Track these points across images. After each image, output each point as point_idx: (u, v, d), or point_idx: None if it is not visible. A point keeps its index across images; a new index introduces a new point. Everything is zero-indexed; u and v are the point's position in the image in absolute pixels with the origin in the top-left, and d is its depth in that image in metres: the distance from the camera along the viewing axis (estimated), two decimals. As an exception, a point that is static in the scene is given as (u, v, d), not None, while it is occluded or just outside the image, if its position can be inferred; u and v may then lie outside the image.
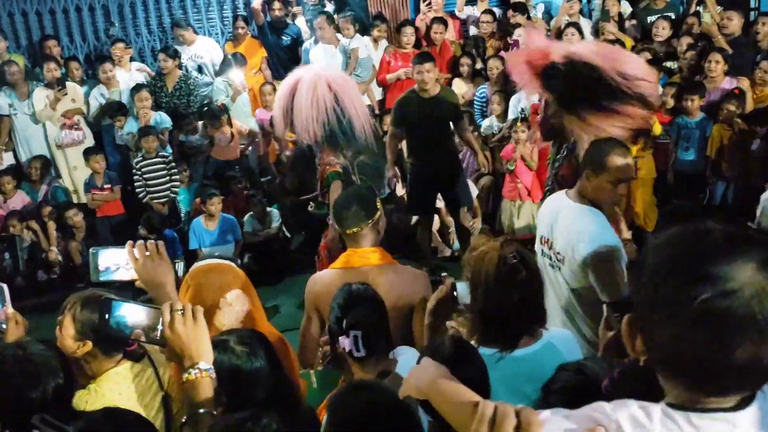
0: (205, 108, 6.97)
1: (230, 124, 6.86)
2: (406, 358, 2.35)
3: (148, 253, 1.89)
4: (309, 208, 5.13)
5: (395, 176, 5.89)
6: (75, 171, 6.96)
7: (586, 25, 7.25)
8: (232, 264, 2.70)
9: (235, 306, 2.53)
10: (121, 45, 7.21)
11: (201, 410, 1.66)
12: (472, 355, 1.89)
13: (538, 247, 3.13)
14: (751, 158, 5.58)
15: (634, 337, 1.02)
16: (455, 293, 2.20)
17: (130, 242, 1.90)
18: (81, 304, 2.23)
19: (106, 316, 1.72)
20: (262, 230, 6.35)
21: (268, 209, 6.40)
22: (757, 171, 5.46)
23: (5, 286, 2.36)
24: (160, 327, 1.73)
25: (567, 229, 2.96)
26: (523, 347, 2.13)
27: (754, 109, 5.74)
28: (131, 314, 1.74)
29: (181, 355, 1.71)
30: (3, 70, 6.83)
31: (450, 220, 6.33)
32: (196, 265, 2.69)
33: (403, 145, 5.98)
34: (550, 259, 3.04)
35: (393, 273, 2.81)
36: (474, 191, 6.20)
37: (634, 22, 7.38)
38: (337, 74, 4.68)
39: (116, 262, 1.99)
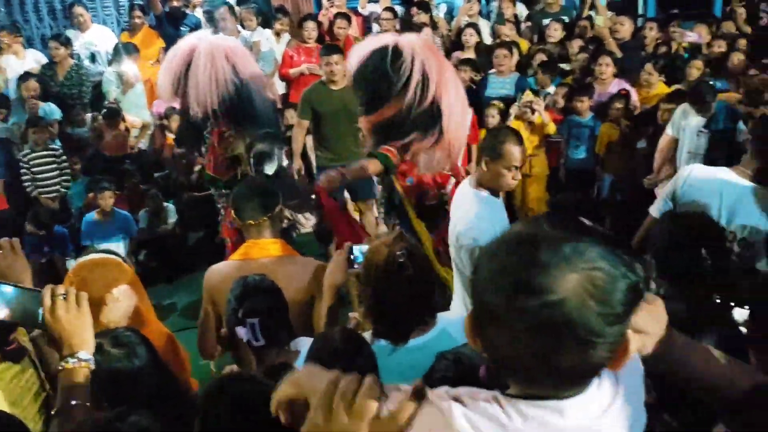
0: (105, 109, 6.66)
1: (123, 119, 6.62)
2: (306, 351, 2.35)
3: (1, 251, 1.80)
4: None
5: (300, 168, 5.82)
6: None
7: (484, 26, 7.44)
8: (119, 259, 2.61)
9: (122, 302, 2.45)
10: (4, 32, 6.81)
11: (73, 401, 1.60)
12: (362, 347, 1.90)
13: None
14: (636, 156, 5.90)
15: (474, 337, 1.05)
16: (352, 256, 2.29)
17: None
18: None
19: None
20: (158, 226, 6.16)
21: (164, 204, 6.21)
22: (641, 168, 5.77)
23: None
24: (40, 311, 1.66)
25: (454, 213, 3.08)
26: (416, 337, 2.16)
27: (641, 111, 6.07)
28: (7, 296, 1.66)
29: (61, 343, 1.65)
30: None
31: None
32: (80, 260, 2.60)
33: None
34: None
35: (292, 264, 2.81)
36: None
37: (529, 24, 7.64)
38: (235, 44, 4.55)
39: None
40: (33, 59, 6.96)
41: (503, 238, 1.03)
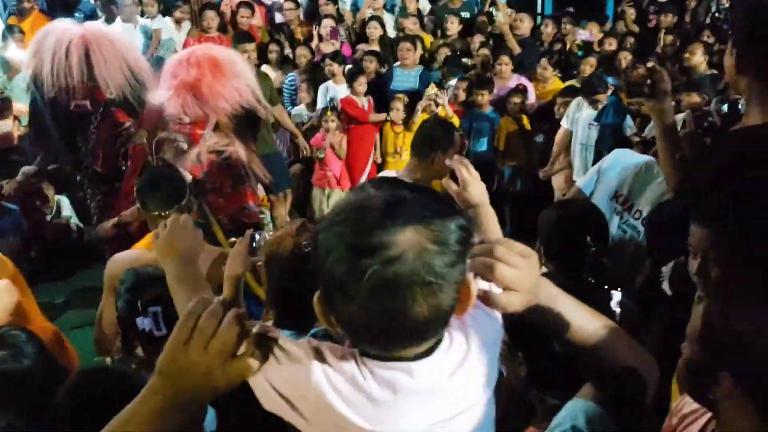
0: None
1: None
2: None
3: None
4: None
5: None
6: None
7: (389, 19, 7.52)
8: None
9: (3, 298, 2.35)
10: None
11: None
12: None
13: None
14: (534, 149, 6.13)
15: (327, 316, 1.06)
16: (254, 244, 2.24)
17: None
18: None
19: None
20: (52, 219, 5.88)
21: (57, 197, 5.93)
22: (538, 160, 6.01)
23: None
24: None
25: None
26: (319, 327, 2.17)
27: (537, 106, 6.30)
28: None
29: None
30: None
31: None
32: None
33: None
34: None
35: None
36: None
37: (432, 18, 7.78)
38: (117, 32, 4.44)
39: None
40: None
41: (334, 210, 1.06)
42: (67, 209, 5.94)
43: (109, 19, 6.68)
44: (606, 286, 2.11)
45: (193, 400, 1.03)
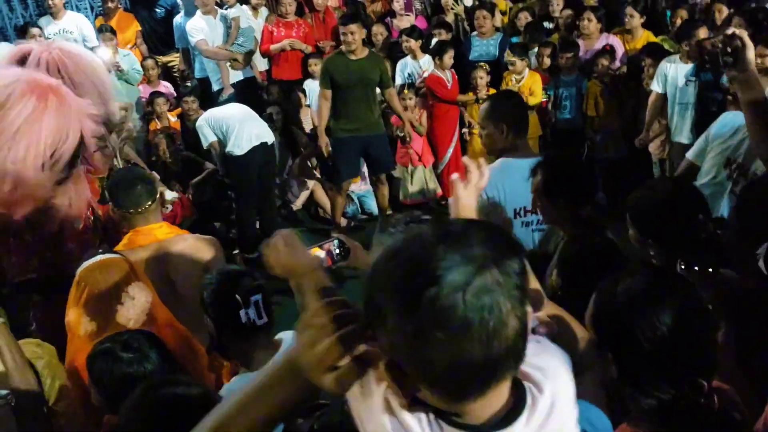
0: None
1: None
2: (288, 339, 2.35)
3: None
4: None
5: (327, 144, 5.68)
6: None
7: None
8: (122, 257, 2.59)
9: (139, 298, 2.45)
10: None
11: None
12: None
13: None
14: (625, 114, 5.86)
15: (401, 378, 1.00)
16: (336, 251, 2.22)
17: None
18: None
19: None
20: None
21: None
22: (631, 125, 5.75)
23: None
24: None
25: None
26: None
27: (627, 65, 6.02)
28: None
29: None
30: None
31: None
32: (86, 263, 2.55)
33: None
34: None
35: (183, 242, 2.87)
36: None
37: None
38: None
39: None
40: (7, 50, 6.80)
41: (393, 245, 1.01)
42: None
43: (189, 12, 6.80)
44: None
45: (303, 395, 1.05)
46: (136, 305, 2.46)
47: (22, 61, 2.91)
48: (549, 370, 1.09)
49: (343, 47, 5.51)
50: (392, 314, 0.94)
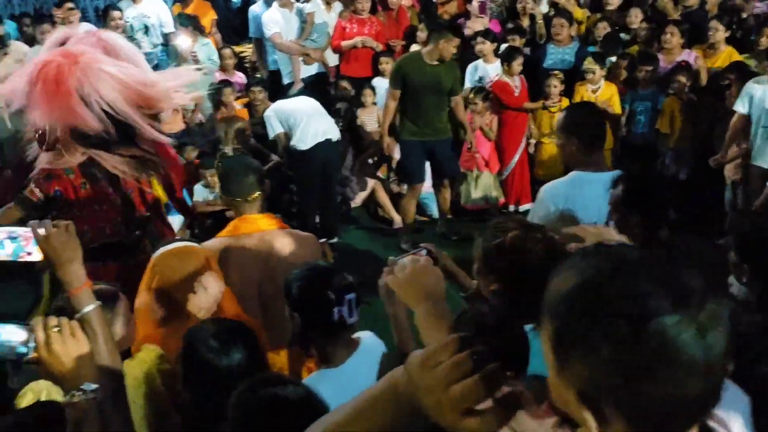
0: None
1: None
2: (369, 341, 2.33)
3: (56, 230, 1.75)
4: None
5: (389, 144, 5.68)
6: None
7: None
8: (197, 245, 2.62)
9: (211, 288, 2.46)
10: (68, 5, 6.84)
11: None
12: (513, 324, 1.86)
13: None
14: (700, 133, 5.67)
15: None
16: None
17: (34, 221, 1.77)
18: None
19: None
20: (214, 200, 6.18)
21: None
22: (707, 145, 5.56)
23: None
24: (32, 344, 1.58)
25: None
26: None
27: (706, 85, 5.82)
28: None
29: (62, 377, 1.59)
30: None
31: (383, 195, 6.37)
32: (162, 249, 2.59)
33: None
34: None
35: (285, 236, 2.90)
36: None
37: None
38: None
39: (22, 238, 1.81)
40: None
41: (581, 261, 0.96)
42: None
43: (267, 2, 6.85)
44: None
45: (417, 417, 0.97)
46: (208, 295, 2.48)
47: (63, 44, 3.18)
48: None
49: (425, 50, 5.40)
50: (605, 345, 0.89)
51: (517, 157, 6.29)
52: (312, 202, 5.72)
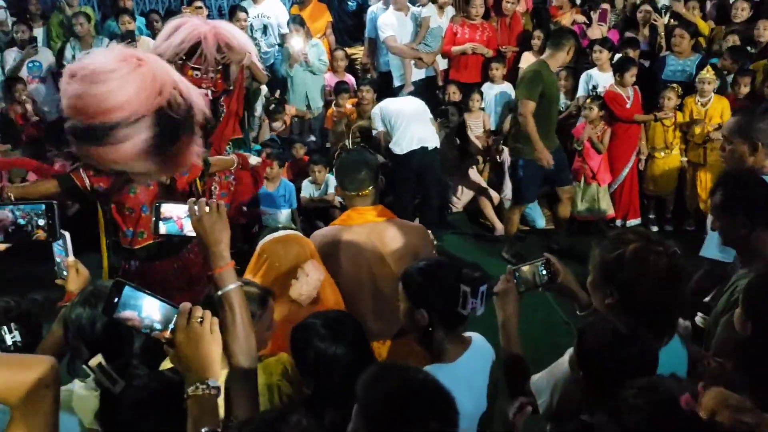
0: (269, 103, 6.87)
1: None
2: (480, 341, 2.34)
3: (207, 210, 1.83)
4: None
5: (549, 159, 5.30)
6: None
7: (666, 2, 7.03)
8: (301, 234, 2.72)
9: (312, 275, 2.55)
10: (196, 3, 7.21)
11: (204, 429, 1.56)
12: (644, 337, 1.85)
13: None
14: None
15: None
16: (515, 281, 2.25)
17: (191, 199, 1.86)
18: None
19: (115, 300, 1.62)
20: (320, 196, 6.33)
21: (327, 175, 6.36)
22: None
23: (67, 235, 2.34)
24: (171, 326, 1.64)
25: None
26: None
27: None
28: (143, 305, 1.63)
29: (189, 368, 1.62)
30: (72, 21, 6.92)
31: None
32: (269, 237, 2.72)
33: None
34: None
35: (395, 226, 2.96)
36: None
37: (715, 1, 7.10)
38: None
39: (177, 217, 1.97)
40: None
41: None
42: (332, 186, 6.32)
43: (384, 6, 6.95)
44: None
45: None
46: (309, 282, 2.59)
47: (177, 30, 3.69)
48: None
49: (550, 60, 5.26)
50: None
51: (626, 171, 6.11)
52: (407, 205, 5.73)
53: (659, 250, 2.01)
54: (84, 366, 1.87)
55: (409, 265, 2.34)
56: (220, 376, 1.62)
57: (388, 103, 5.79)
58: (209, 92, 3.95)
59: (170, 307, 1.65)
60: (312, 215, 6.32)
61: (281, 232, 2.77)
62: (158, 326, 1.63)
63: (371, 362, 1.99)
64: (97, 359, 1.83)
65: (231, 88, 4.21)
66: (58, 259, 2.38)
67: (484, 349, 2.33)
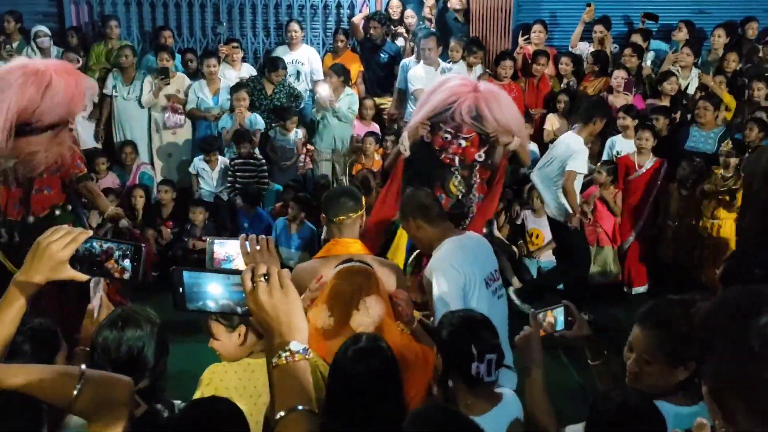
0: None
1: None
2: (510, 397, 2.36)
3: (258, 247, 1.88)
4: None
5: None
6: (170, 158, 7.22)
7: (694, 76, 7.15)
8: (374, 271, 2.78)
9: (373, 310, 2.62)
10: (233, 44, 7.44)
11: (299, 407, 1.36)
12: (653, 409, 1.82)
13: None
14: None
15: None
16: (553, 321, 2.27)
17: (243, 235, 1.92)
18: None
19: (180, 289, 1.46)
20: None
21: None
22: None
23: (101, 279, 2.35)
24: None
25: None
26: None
27: None
28: (208, 286, 1.46)
29: (268, 332, 1.41)
30: (119, 54, 7.19)
31: None
32: (340, 267, 2.80)
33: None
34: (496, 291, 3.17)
35: (373, 262, 2.98)
36: None
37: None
38: None
39: (230, 253, 2.04)
40: (246, 72, 7.52)
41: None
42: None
43: (417, 59, 7.13)
44: None
45: None
46: (370, 314, 2.66)
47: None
48: None
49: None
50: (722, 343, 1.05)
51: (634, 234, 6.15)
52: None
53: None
54: None
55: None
56: (303, 334, 1.40)
57: None
58: (456, 160, 4.03)
59: (231, 274, 1.47)
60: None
61: (352, 263, 2.83)
62: (236, 306, 1.46)
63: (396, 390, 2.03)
64: None
65: (489, 168, 4.16)
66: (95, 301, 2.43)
67: (513, 406, 2.36)
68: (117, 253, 1.70)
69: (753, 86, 6.65)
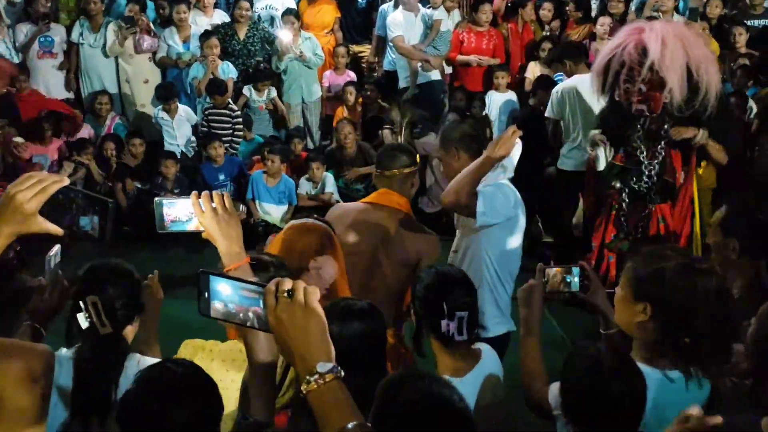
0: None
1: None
2: (486, 352, 2.32)
3: (214, 205, 1.70)
4: None
5: None
6: (143, 108, 6.96)
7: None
8: (330, 229, 2.64)
9: (326, 270, 2.47)
10: None
11: (348, 425, 1.26)
12: (632, 367, 1.79)
13: None
14: None
15: None
16: (568, 279, 2.17)
17: (194, 192, 1.72)
18: None
19: (206, 294, 1.38)
20: (316, 194, 6.26)
21: (324, 173, 6.30)
22: None
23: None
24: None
25: None
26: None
27: None
28: (233, 294, 1.37)
29: (291, 355, 1.32)
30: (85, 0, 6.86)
31: None
32: (292, 222, 2.69)
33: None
34: None
35: (413, 223, 3.02)
36: None
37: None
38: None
39: (182, 213, 1.80)
40: (219, 18, 7.21)
41: None
42: (331, 185, 6.27)
43: (395, 5, 6.89)
44: None
45: None
46: (321, 275, 2.48)
47: None
48: None
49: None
50: None
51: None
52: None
53: (704, 269, 1.90)
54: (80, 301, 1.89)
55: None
56: (330, 355, 1.31)
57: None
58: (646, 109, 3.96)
59: (256, 287, 1.37)
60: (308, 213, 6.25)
61: (300, 220, 2.71)
62: (256, 320, 1.37)
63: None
64: (93, 298, 1.87)
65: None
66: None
67: (491, 361, 2.34)
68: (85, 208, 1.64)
69: (734, 31, 6.61)
